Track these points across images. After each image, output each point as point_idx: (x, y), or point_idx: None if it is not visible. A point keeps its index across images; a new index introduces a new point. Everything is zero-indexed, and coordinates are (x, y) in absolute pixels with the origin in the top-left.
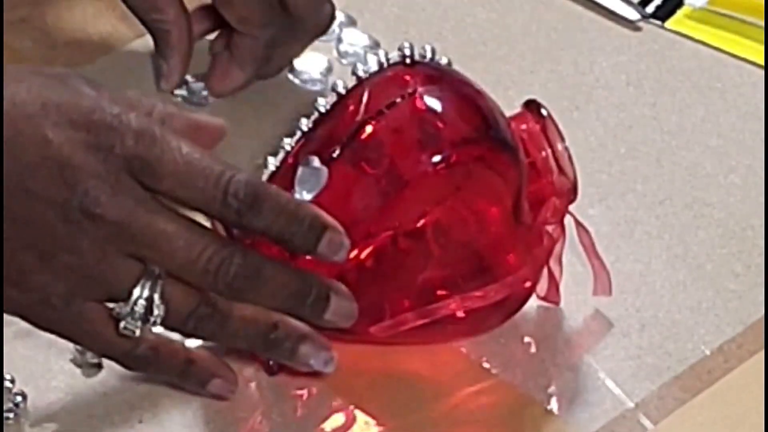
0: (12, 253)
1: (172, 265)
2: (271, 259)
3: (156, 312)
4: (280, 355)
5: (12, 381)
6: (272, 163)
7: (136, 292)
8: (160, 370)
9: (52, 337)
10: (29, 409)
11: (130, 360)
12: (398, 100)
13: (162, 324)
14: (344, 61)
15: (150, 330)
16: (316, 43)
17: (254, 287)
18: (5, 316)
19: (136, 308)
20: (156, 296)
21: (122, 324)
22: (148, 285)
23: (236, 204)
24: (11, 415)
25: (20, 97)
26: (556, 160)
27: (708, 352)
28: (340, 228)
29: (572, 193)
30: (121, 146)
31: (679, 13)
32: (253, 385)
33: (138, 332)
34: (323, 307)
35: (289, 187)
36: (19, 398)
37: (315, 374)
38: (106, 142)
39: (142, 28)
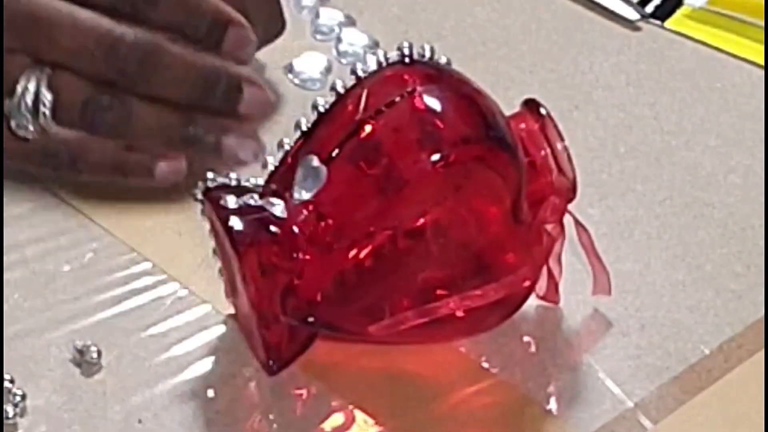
0: None
1: (60, 54)
2: (169, 40)
3: (43, 101)
4: (202, 151)
5: (12, 381)
6: (271, 162)
7: (21, 82)
8: (93, 168)
9: (52, 337)
10: (29, 409)
11: (51, 161)
12: (397, 99)
13: (56, 119)
14: (344, 61)
15: (49, 125)
16: (316, 42)
17: (153, 72)
18: (5, 317)
19: (24, 100)
20: (42, 84)
21: (13, 122)
22: (34, 75)
23: (129, 68)
24: (11, 415)
25: None
26: (556, 159)
27: (708, 352)
28: (246, 23)
29: (571, 192)
30: None
31: (679, 12)
32: (252, 384)
33: (31, 127)
34: (236, 98)
35: (288, 186)
36: (18, 398)
37: (314, 373)
38: None
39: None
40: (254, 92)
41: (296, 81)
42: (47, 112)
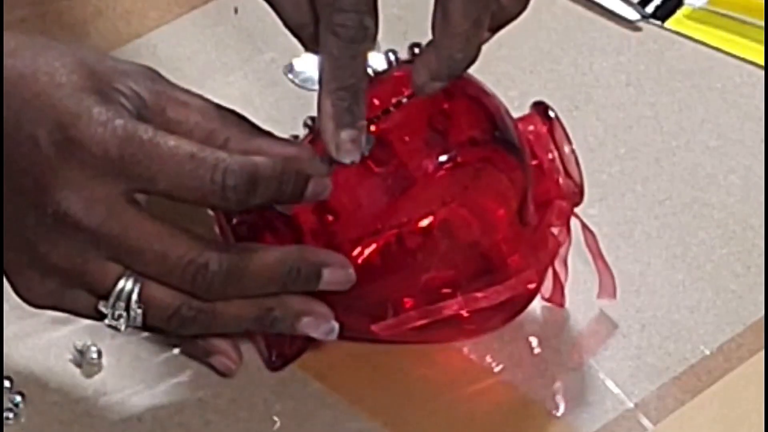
0: (6, 250)
1: (150, 272)
2: (251, 249)
3: (133, 314)
4: (281, 332)
5: (12, 381)
6: None
7: (114, 293)
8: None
9: (52, 337)
10: (29, 409)
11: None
12: (405, 99)
13: (144, 325)
14: None
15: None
16: None
17: (236, 286)
18: (5, 317)
19: (116, 309)
20: (134, 297)
21: (106, 321)
22: (127, 286)
23: (235, 196)
24: (11, 415)
25: (30, 91)
26: (563, 162)
27: (708, 352)
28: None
29: (578, 195)
30: (104, 151)
31: (679, 13)
32: (252, 384)
33: (122, 328)
34: (315, 282)
35: None
36: (19, 398)
37: (316, 372)
38: (89, 146)
39: (142, 27)
40: (332, 274)
41: (296, 81)
42: (138, 321)
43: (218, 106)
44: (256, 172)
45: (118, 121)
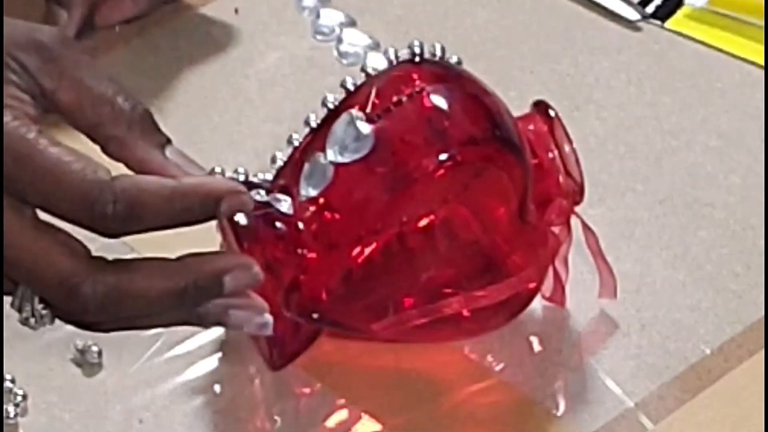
0: None
1: (37, 292)
2: (134, 268)
3: (38, 314)
4: (210, 326)
5: (12, 381)
6: (280, 158)
7: (18, 293)
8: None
9: (53, 337)
10: (30, 409)
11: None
12: (405, 98)
13: (61, 320)
14: (344, 61)
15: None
16: (316, 43)
17: (118, 308)
18: (5, 317)
19: (23, 309)
20: (36, 301)
21: (18, 319)
22: (26, 297)
23: (114, 225)
24: (11, 415)
25: None
26: (563, 161)
27: (708, 352)
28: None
29: (578, 195)
30: None
31: (679, 13)
32: (253, 384)
33: (36, 328)
34: (219, 291)
35: (296, 182)
36: (19, 398)
37: (317, 371)
38: None
39: (142, 26)
40: (234, 280)
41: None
42: (47, 320)
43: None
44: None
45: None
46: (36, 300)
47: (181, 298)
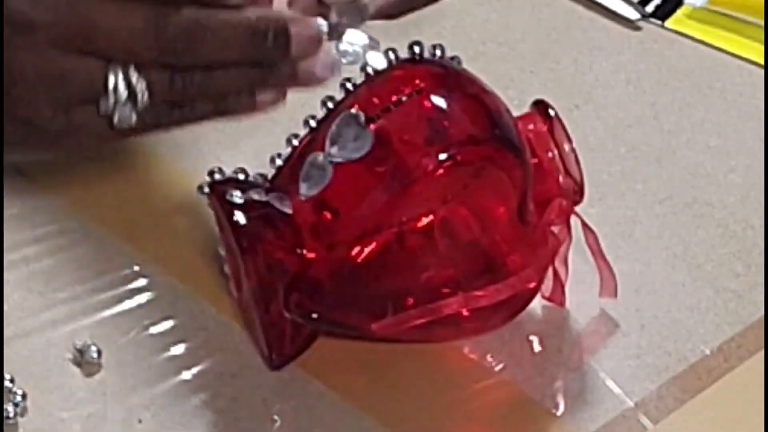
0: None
1: (124, 54)
2: (214, 13)
3: (140, 89)
4: (282, 80)
5: (12, 381)
6: (279, 158)
7: (111, 80)
8: (198, 114)
9: (52, 336)
10: (29, 409)
11: (160, 117)
12: (405, 98)
13: (152, 101)
14: (344, 60)
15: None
16: None
17: (202, 41)
18: (5, 317)
19: (118, 94)
20: (133, 76)
21: (115, 118)
22: (119, 70)
23: (173, 45)
24: (11, 415)
25: None
26: (563, 161)
27: (708, 352)
28: (308, 20)
29: (578, 194)
30: None
31: (679, 12)
32: (253, 384)
33: (134, 117)
34: (285, 42)
35: (295, 182)
36: (19, 398)
37: (316, 371)
38: None
39: None
40: (299, 28)
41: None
42: (145, 94)
43: None
44: (200, 19)
45: None
46: (132, 73)
47: (253, 35)
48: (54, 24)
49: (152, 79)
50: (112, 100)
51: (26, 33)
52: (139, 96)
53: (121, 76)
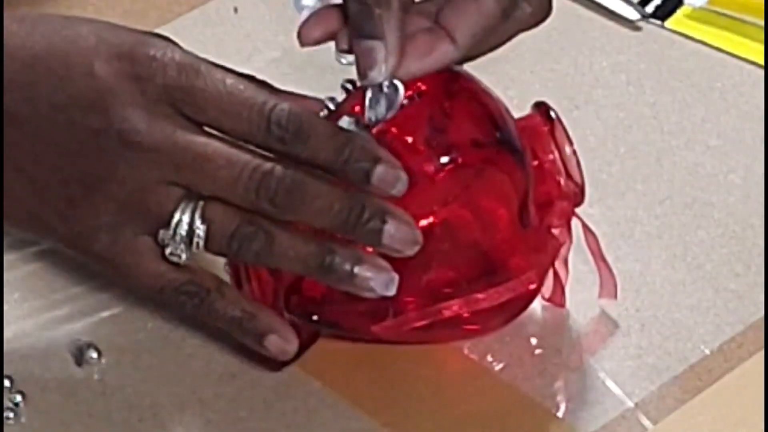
0: (60, 184)
1: (213, 186)
2: (319, 177)
3: (197, 232)
4: (337, 280)
5: (12, 381)
6: None
7: (177, 215)
8: (216, 316)
9: (52, 337)
10: (29, 409)
11: (182, 296)
12: (406, 99)
13: (206, 247)
14: (344, 61)
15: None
16: None
17: (299, 203)
18: (5, 317)
19: (178, 231)
20: (197, 216)
21: (167, 250)
22: (189, 207)
23: (279, 132)
24: (11, 415)
25: (79, 35)
26: (564, 163)
27: (708, 352)
28: (395, 161)
29: (579, 196)
30: (163, 76)
31: (679, 12)
32: (253, 384)
33: (184, 256)
34: (379, 230)
35: None
36: (19, 398)
37: (316, 372)
38: (148, 72)
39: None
40: (398, 224)
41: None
42: (201, 243)
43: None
44: (307, 118)
45: (174, 51)
46: (198, 215)
47: (346, 218)
48: (157, 149)
49: (218, 219)
50: (170, 233)
51: (129, 150)
52: (195, 239)
53: (188, 214)
